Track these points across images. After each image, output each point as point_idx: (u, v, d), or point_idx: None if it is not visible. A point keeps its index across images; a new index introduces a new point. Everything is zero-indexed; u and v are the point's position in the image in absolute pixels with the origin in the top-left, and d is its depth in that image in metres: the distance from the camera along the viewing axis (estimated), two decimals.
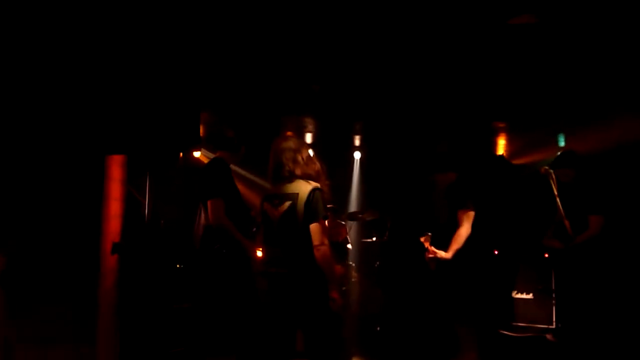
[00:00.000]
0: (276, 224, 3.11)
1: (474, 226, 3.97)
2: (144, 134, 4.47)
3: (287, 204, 3.08)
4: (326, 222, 3.16)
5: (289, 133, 3.88)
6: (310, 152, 3.27)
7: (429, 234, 3.95)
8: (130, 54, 4.17)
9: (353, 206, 8.25)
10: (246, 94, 5.74)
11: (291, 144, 3.21)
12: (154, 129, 4.68)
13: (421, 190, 4.31)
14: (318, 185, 3.12)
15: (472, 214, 3.98)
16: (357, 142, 8.00)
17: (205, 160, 6.12)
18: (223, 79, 5.24)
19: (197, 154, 6.71)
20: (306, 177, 3.13)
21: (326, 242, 3.01)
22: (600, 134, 6.18)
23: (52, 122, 4.41)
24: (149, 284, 4.56)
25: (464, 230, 3.95)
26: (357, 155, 8.40)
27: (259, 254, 3.53)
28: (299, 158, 3.16)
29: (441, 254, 3.91)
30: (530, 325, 6.09)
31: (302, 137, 7.52)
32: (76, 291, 4.17)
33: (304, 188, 3.08)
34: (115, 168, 3.94)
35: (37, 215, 4.43)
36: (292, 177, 3.13)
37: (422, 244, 3.93)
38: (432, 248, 3.92)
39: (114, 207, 3.92)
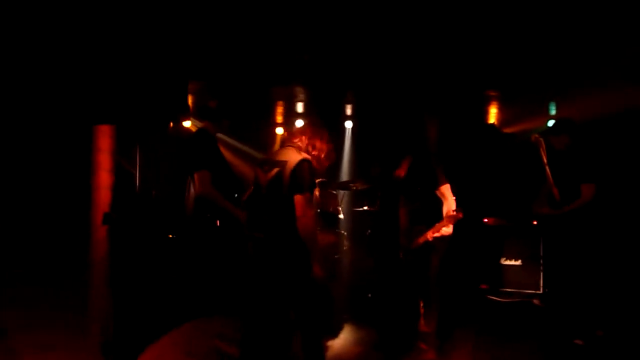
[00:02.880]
0: (264, 189, 3.12)
1: (463, 195, 4.03)
2: (132, 103, 4.43)
3: (275, 170, 3.08)
4: (316, 193, 3.17)
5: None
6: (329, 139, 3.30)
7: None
8: (118, 23, 4.10)
9: (344, 175, 8.27)
10: (236, 64, 5.67)
11: (315, 123, 3.29)
12: (142, 98, 4.63)
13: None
14: (308, 157, 3.10)
15: (448, 185, 4.09)
16: (348, 112, 7.95)
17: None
18: (212, 49, 5.17)
19: (187, 123, 6.66)
20: (300, 148, 3.14)
21: (309, 214, 2.99)
22: (591, 101, 6.17)
23: (39, 92, 4.35)
24: (141, 254, 4.58)
25: (452, 203, 4.04)
26: (348, 124, 8.36)
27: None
28: (308, 131, 3.21)
29: (444, 231, 3.93)
30: (518, 290, 6.20)
31: (293, 108, 7.53)
32: (67, 260, 4.19)
33: (293, 157, 3.07)
34: (104, 139, 3.90)
35: (26, 186, 4.42)
36: (288, 144, 3.16)
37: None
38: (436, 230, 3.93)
39: (104, 178, 3.90)
